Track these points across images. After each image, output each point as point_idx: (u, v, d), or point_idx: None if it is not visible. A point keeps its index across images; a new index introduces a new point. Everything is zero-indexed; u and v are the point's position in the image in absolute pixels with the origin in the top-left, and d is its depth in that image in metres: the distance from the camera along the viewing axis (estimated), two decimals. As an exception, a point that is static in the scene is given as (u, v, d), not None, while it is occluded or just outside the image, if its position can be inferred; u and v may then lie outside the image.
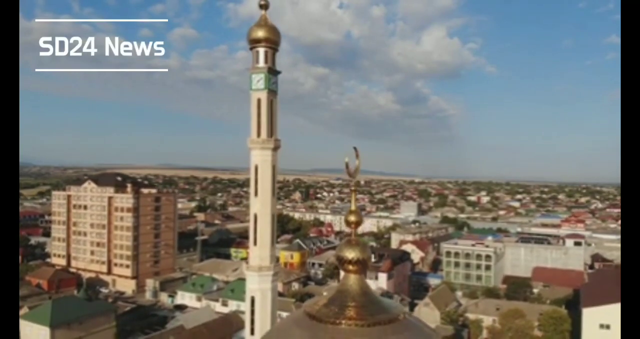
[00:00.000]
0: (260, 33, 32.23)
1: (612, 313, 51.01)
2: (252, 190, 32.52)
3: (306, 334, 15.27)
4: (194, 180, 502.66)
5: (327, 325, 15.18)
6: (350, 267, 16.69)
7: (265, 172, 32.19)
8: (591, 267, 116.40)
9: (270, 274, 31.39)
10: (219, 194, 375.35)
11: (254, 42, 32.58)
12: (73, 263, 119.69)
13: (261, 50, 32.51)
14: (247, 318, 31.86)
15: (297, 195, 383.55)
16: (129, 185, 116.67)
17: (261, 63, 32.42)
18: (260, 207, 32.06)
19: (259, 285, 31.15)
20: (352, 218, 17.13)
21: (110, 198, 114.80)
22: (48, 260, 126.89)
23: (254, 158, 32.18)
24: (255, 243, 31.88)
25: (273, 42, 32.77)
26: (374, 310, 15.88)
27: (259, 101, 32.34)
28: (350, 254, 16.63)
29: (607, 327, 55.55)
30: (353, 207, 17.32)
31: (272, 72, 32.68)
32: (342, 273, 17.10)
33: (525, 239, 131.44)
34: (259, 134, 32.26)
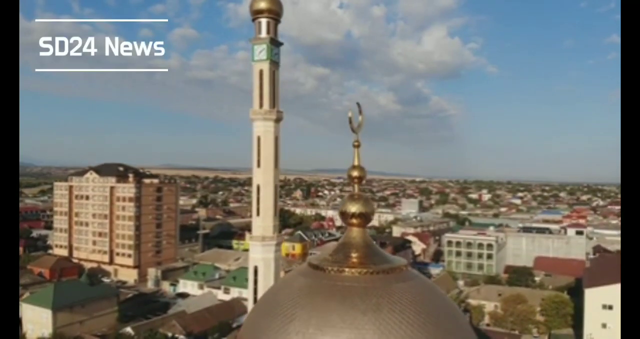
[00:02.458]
0: (263, 4, 32.20)
1: (615, 293, 50.32)
2: (254, 161, 32.51)
3: (310, 281, 15.32)
4: (195, 179, 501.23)
5: (330, 273, 15.19)
6: (354, 220, 16.68)
7: (267, 143, 32.21)
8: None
9: (273, 244, 31.42)
10: (220, 192, 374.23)
11: (256, 13, 32.54)
12: (75, 253, 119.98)
13: (263, 21, 32.48)
14: (250, 287, 31.89)
15: (298, 193, 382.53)
16: (130, 175, 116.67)
17: (263, 34, 32.39)
18: (263, 177, 32.10)
19: (262, 255, 31.18)
20: (355, 173, 17.10)
21: (112, 188, 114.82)
22: (50, 251, 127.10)
23: (256, 129, 32.16)
24: (258, 214, 31.92)
25: (275, 13, 32.74)
26: (377, 260, 15.88)
27: (261, 72, 32.34)
28: (353, 207, 16.61)
29: (610, 308, 55.15)
30: (356, 163, 17.35)
31: (275, 42, 32.64)
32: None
33: (527, 229, 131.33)
34: (261, 105, 32.26)
